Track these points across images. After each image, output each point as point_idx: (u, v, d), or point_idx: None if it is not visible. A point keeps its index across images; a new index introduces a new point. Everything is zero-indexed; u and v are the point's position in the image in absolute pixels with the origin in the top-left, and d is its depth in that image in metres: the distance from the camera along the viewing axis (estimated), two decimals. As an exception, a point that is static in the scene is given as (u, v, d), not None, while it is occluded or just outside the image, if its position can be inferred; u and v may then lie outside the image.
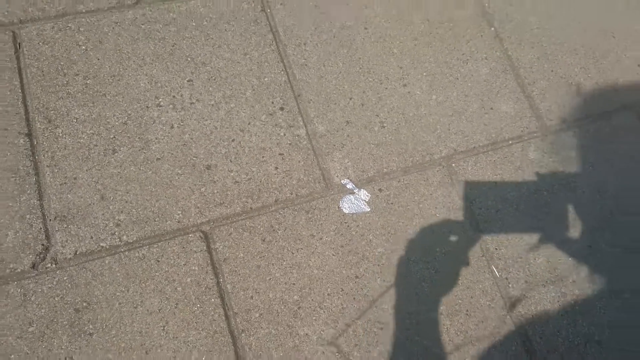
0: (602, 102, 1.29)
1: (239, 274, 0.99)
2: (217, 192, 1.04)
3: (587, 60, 1.33)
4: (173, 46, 1.15)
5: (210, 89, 1.13)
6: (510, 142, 1.20)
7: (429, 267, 1.06)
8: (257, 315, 0.97)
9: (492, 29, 1.32)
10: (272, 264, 1.01)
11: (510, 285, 1.08)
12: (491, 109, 1.23)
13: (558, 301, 1.08)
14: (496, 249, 1.10)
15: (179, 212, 1.01)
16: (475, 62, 1.27)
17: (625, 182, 1.20)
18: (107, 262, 0.96)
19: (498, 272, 1.08)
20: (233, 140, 1.09)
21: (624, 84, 1.32)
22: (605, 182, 1.19)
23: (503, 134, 1.21)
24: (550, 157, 1.20)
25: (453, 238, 1.09)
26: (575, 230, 1.13)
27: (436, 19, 1.30)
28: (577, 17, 1.37)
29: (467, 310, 1.04)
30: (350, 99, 1.18)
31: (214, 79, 1.13)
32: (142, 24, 1.16)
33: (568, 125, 1.24)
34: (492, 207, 1.13)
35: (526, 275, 1.09)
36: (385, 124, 1.16)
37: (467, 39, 1.30)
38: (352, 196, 1.09)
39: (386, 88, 1.20)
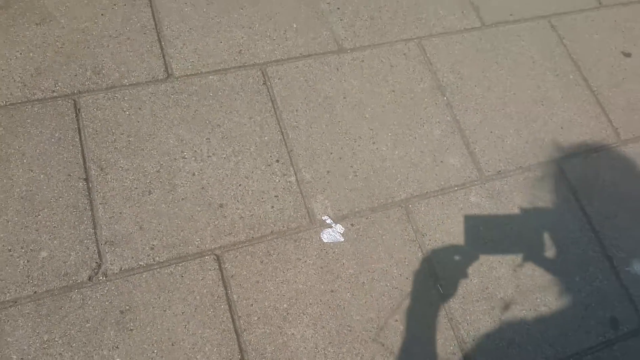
0: (531, 157, 1.63)
1: (243, 287, 1.31)
2: (227, 225, 1.37)
3: (520, 124, 1.68)
4: (195, 112, 1.50)
5: (223, 145, 1.47)
6: (455, 188, 1.54)
7: (388, 284, 1.37)
8: (256, 318, 1.28)
9: (445, 98, 1.68)
10: (268, 280, 1.32)
11: (451, 300, 1.39)
12: (441, 162, 1.57)
13: (488, 313, 1.39)
14: (442, 271, 1.42)
15: (198, 239, 1.34)
16: (430, 125, 1.62)
17: (543, 221, 1.53)
18: (144, 276, 1.27)
19: (442, 290, 1.40)
20: (240, 185, 1.42)
21: (549, 142, 1.67)
22: (529, 221, 1.52)
23: (450, 182, 1.55)
24: (487, 201, 1.54)
25: (408, 262, 1.41)
26: (503, 258, 1.46)
27: (400, 90, 1.66)
28: (513, 89, 1.74)
29: (416, 318, 1.35)
30: (331, 153, 1.52)
31: (226, 138, 1.48)
32: (172, 94, 1.51)
33: (502, 175, 1.58)
34: (439, 239, 1.46)
35: (464, 292, 1.40)
36: (357, 174, 1.50)
37: (424, 106, 1.65)
38: (330, 229, 1.41)
39: (359, 145, 1.55)
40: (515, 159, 1.62)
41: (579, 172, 1.64)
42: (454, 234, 1.47)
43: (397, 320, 1.34)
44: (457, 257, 1.45)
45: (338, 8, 1.75)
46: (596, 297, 1.46)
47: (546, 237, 1.51)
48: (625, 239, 1.55)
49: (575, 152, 1.67)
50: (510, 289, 1.42)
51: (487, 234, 1.49)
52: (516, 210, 1.53)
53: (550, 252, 1.49)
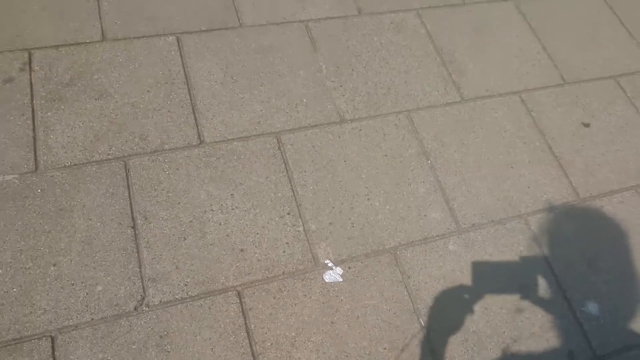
0: (501, 212, 1.94)
1: (258, 318, 1.59)
2: (246, 266, 1.67)
3: (492, 184, 2.00)
4: (222, 172, 1.83)
5: (244, 199, 1.79)
6: (437, 238, 1.84)
7: (378, 318, 1.65)
8: (269, 344, 1.56)
9: (429, 162, 2.01)
10: (279, 312, 1.61)
11: (431, 332, 1.67)
12: (425, 216, 1.88)
13: (462, 344, 1.66)
14: (423, 307, 1.70)
15: (223, 278, 1.64)
16: (416, 184, 1.94)
17: (511, 267, 1.82)
18: (179, 307, 1.57)
19: (423, 323, 1.68)
20: (257, 234, 1.73)
21: (517, 200, 1.98)
22: (499, 267, 1.81)
23: (432, 233, 1.85)
24: (463, 249, 1.83)
25: (396, 300, 1.70)
26: (473, 298, 1.74)
27: (392, 155, 1.99)
28: (487, 154, 2.07)
29: (403, 347, 1.63)
30: (333, 207, 1.83)
31: (247, 194, 1.80)
32: (203, 158, 1.85)
33: (476, 227, 1.89)
34: (422, 281, 1.75)
35: (442, 325, 1.68)
36: (354, 225, 1.81)
37: (411, 168, 1.98)
38: (331, 271, 1.71)
39: (356, 201, 1.86)
40: (488, 213, 1.93)
41: (543, 225, 1.94)
42: (435, 277, 1.76)
43: (385, 349, 1.61)
44: (437, 296, 1.73)
45: (341, 85, 2.11)
46: (556, 333, 1.73)
47: (513, 280, 1.80)
48: (581, 283, 1.83)
49: (539, 208, 1.98)
50: (481, 324, 1.70)
51: (463, 278, 1.77)
52: (487, 257, 1.83)
53: (516, 293, 1.78)
